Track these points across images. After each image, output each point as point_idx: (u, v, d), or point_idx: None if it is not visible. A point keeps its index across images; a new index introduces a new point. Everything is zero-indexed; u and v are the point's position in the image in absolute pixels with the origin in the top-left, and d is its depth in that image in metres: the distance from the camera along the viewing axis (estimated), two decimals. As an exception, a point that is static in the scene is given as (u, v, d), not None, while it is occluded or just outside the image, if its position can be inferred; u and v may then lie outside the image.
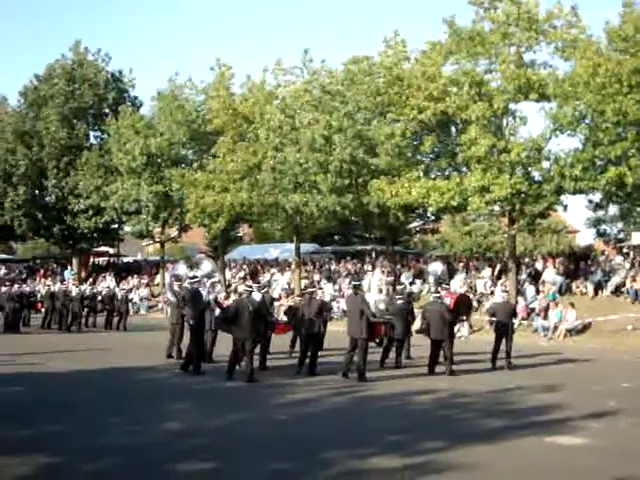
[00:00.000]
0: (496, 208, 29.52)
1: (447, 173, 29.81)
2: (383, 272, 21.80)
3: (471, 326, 26.77)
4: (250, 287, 16.09)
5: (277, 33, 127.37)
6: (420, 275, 31.11)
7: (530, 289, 28.72)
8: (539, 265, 31.20)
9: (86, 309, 29.24)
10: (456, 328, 20.90)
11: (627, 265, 29.13)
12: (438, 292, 17.58)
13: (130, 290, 36.90)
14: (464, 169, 28.90)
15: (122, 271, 46.35)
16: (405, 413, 11.94)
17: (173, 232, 43.60)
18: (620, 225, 48.18)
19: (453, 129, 29.73)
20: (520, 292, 28.35)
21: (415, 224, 38.54)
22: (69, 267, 46.57)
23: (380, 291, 18.12)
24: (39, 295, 32.56)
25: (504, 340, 17.56)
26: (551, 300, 27.31)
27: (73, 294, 28.40)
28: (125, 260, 53.56)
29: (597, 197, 28.78)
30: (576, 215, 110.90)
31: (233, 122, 33.55)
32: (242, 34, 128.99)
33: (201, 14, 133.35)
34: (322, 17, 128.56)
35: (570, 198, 28.80)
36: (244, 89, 34.97)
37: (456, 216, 43.71)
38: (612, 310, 26.22)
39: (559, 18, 26.97)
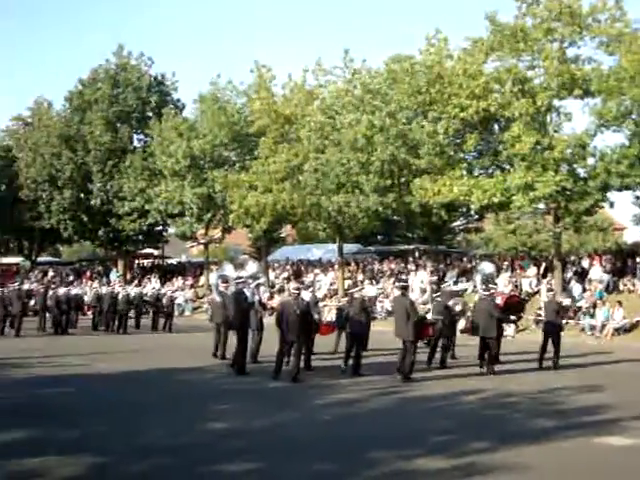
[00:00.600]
0: (541, 206, 29.20)
1: (490, 171, 29.52)
2: (429, 272, 21.62)
3: (517, 325, 26.48)
4: (298, 288, 16.06)
5: (317, 33, 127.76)
6: (464, 274, 30.88)
7: (577, 287, 28.33)
8: (585, 263, 30.77)
9: (133, 311, 29.59)
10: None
11: (676, 262, 28.58)
12: (489, 290, 17.37)
13: (175, 291, 37.22)
14: (507, 167, 28.61)
15: (167, 273, 46.76)
16: (451, 413, 11.83)
17: (216, 233, 43.96)
18: (669, 221, 47.23)
19: (496, 127, 29.44)
20: (566, 290, 27.96)
21: (458, 223, 38.28)
22: (114, 269, 47.21)
23: (423, 291, 18.00)
24: (86, 297, 33.07)
25: (550, 340, 17.35)
26: (598, 298, 26.94)
27: (120, 296, 28.75)
28: (169, 262, 54.08)
29: (644, 193, 28.35)
30: (623, 212, 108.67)
31: (274, 123, 33.74)
32: (282, 35, 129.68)
33: (241, 16, 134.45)
34: (362, 16, 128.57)
35: (616, 194, 28.46)
36: (286, 89, 35.13)
37: (500, 214, 43.23)
38: (661, 308, 25.73)
39: (603, 12, 26.58)
